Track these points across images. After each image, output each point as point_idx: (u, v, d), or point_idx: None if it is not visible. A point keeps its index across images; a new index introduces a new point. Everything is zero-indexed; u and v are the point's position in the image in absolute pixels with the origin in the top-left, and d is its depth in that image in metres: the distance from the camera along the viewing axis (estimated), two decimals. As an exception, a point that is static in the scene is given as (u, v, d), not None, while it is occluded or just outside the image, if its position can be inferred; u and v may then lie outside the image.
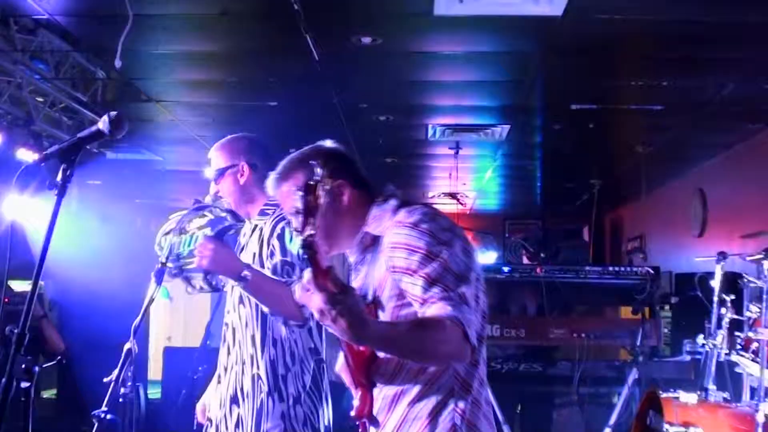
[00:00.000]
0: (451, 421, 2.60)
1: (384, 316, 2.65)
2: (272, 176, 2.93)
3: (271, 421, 3.84)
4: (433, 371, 2.61)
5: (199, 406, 4.38)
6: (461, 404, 2.61)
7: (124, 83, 7.58)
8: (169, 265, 3.97)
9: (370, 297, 2.72)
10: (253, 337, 3.94)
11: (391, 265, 2.59)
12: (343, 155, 2.97)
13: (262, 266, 3.92)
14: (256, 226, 4.08)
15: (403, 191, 2.88)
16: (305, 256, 2.24)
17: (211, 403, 4.17)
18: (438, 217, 2.66)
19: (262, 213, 4.08)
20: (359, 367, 2.69)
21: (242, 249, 4.13)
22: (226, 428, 3.98)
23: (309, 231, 2.22)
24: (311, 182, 2.28)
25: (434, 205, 2.77)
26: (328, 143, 2.98)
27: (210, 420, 4.12)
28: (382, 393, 2.71)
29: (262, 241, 3.97)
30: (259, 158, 4.13)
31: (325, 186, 2.68)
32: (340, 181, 2.82)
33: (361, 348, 2.63)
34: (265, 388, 3.88)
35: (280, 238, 3.90)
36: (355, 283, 2.84)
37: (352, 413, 2.79)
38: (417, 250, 2.54)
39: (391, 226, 2.67)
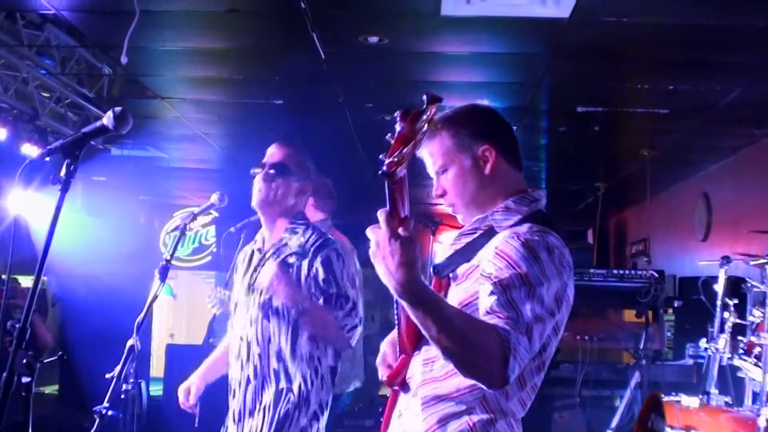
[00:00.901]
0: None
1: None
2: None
3: (292, 430, 3.84)
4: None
5: (183, 387, 4.36)
6: (476, 418, 2.50)
7: (130, 79, 7.59)
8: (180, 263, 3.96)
9: (447, 272, 2.64)
10: (279, 352, 3.91)
11: (485, 269, 2.46)
12: (501, 121, 2.82)
13: (298, 279, 3.92)
14: (283, 242, 4.04)
15: (545, 210, 2.72)
16: (386, 187, 2.15)
17: (229, 417, 4.14)
18: (556, 252, 2.48)
19: (292, 231, 4.05)
20: (410, 331, 2.63)
21: (262, 255, 4.10)
22: None
23: (394, 159, 2.12)
24: (416, 111, 2.15)
25: (561, 242, 2.55)
26: (486, 102, 2.87)
27: (226, 427, 4.10)
28: (413, 378, 2.64)
29: (302, 258, 3.96)
30: (311, 185, 4.18)
31: (470, 147, 2.66)
32: (486, 146, 2.67)
33: None
34: (294, 401, 3.87)
35: (327, 267, 3.92)
36: (440, 254, 2.78)
37: (385, 377, 2.76)
38: (516, 268, 2.39)
39: (509, 233, 2.52)
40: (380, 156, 2.14)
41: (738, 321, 5.81)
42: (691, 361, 7.30)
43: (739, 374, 5.87)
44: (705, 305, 6.47)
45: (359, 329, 4.00)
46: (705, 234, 9.96)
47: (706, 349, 6.03)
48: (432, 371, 2.57)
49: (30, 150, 7.28)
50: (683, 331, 8.55)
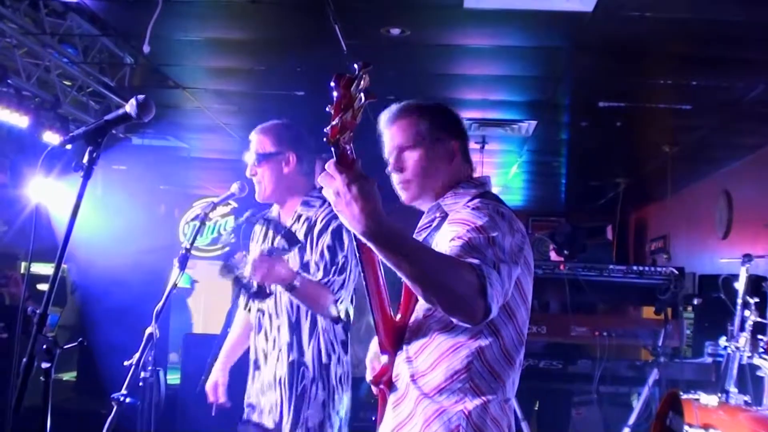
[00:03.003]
0: (457, 421, 2.57)
1: None
2: (384, 116, 2.92)
3: (312, 408, 3.87)
4: (456, 362, 2.57)
5: (209, 385, 4.38)
6: (470, 405, 2.57)
7: (151, 69, 7.61)
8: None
9: None
10: (292, 324, 3.95)
11: (446, 241, 2.53)
12: (461, 122, 3.01)
13: (310, 252, 3.95)
14: (299, 215, 4.07)
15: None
16: (332, 148, 2.17)
17: (248, 390, 4.15)
18: (506, 216, 2.61)
19: (306, 204, 4.08)
20: (388, 332, 2.70)
21: (277, 232, 4.11)
22: (268, 412, 3.99)
23: (335, 124, 2.15)
24: (349, 76, 2.15)
25: (511, 213, 2.70)
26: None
27: (252, 405, 4.10)
28: (400, 377, 2.69)
29: (312, 231, 3.98)
30: (304, 150, 4.13)
31: (443, 139, 2.85)
32: (456, 143, 2.89)
33: (396, 317, 2.68)
34: (309, 375, 3.90)
35: (336, 235, 3.93)
36: None
37: (369, 378, 2.82)
38: (470, 224, 2.51)
39: (460, 208, 2.68)
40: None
41: (759, 320, 5.78)
42: (710, 359, 7.26)
43: (759, 373, 5.84)
44: (724, 303, 6.44)
45: (347, 301, 4.00)
46: (725, 232, 9.92)
47: (726, 347, 6.00)
48: (417, 366, 2.64)
49: (51, 138, 7.31)
50: (702, 329, 8.51)
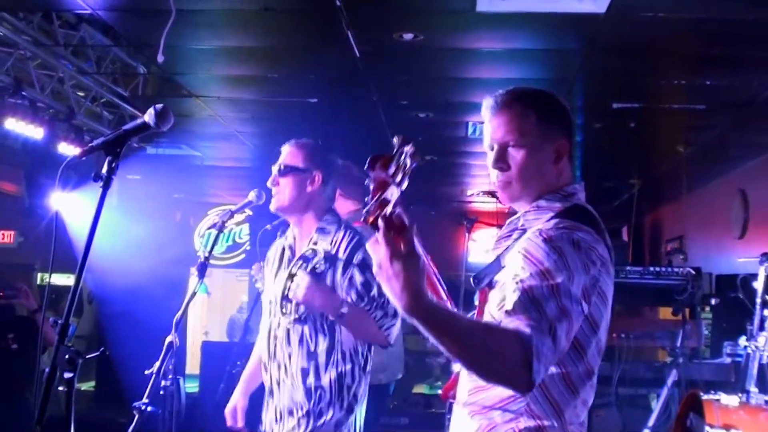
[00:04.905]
0: None
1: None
2: (487, 102, 2.72)
3: (325, 428, 3.83)
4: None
5: (229, 409, 4.35)
6: (522, 425, 2.48)
7: (164, 78, 7.63)
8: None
9: (487, 281, 2.61)
10: (310, 353, 3.89)
11: (512, 270, 2.43)
12: (569, 115, 2.78)
13: (331, 281, 3.90)
14: (316, 242, 4.00)
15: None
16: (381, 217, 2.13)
17: (263, 418, 4.13)
18: (584, 246, 2.42)
19: (322, 231, 4.01)
20: None
21: (292, 255, 4.10)
22: None
23: (370, 209, 2.12)
24: (386, 156, 2.13)
25: (599, 232, 2.52)
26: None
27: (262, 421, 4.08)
28: (463, 389, 2.63)
29: (335, 265, 3.93)
30: (332, 176, 4.08)
31: (553, 138, 2.63)
32: (564, 142, 2.67)
33: None
34: (327, 398, 3.85)
35: (364, 269, 3.87)
36: (474, 252, 2.77)
37: (440, 392, 2.79)
38: (537, 265, 2.36)
39: (536, 230, 2.48)
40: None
41: (778, 319, 5.77)
42: (728, 360, 7.25)
43: (779, 373, 5.83)
44: (742, 303, 6.42)
45: (397, 326, 3.97)
46: (742, 231, 9.87)
47: (745, 347, 5.98)
48: (476, 380, 2.53)
49: (67, 149, 7.35)
50: (720, 329, 8.49)
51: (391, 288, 2.13)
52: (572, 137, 2.71)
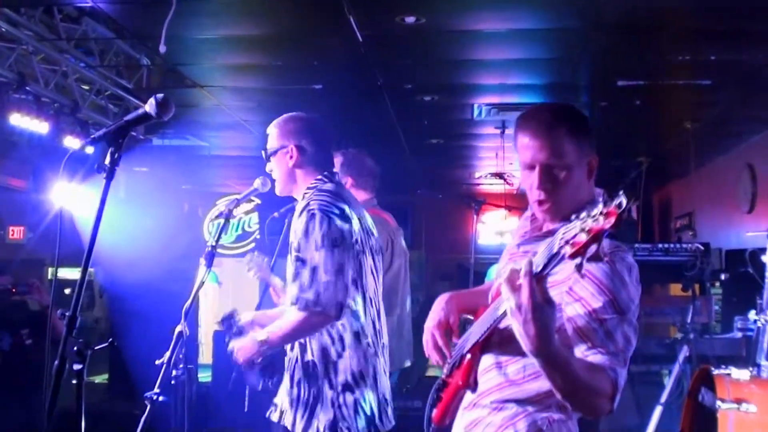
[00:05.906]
0: (543, 424, 2.61)
1: None
2: (526, 120, 2.68)
3: (322, 409, 3.79)
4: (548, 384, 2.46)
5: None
6: (555, 416, 2.61)
7: (168, 69, 7.63)
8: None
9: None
10: None
11: (574, 289, 2.50)
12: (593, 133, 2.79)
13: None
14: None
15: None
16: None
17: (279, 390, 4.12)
18: (635, 271, 2.58)
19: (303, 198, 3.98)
20: (483, 339, 2.67)
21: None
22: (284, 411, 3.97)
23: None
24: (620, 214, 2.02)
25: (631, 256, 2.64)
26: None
27: (275, 404, 4.07)
28: (484, 379, 2.71)
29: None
30: (308, 140, 4.02)
31: (588, 155, 2.70)
32: (594, 158, 2.74)
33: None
34: (318, 373, 3.82)
35: (305, 231, 3.77)
36: (502, 262, 2.83)
37: (445, 371, 2.85)
38: (607, 294, 2.46)
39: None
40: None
41: (788, 292, 5.75)
42: (739, 334, 7.22)
43: (790, 346, 5.81)
44: (752, 278, 6.39)
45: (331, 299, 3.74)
46: (750, 206, 9.86)
47: (755, 321, 5.96)
48: (507, 375, 2.65)
49: (72, 142, 7.36)
50: (731, 304, 8.48)
51: (525, 330, 2.19)
52: (597, 152, 2.76)
